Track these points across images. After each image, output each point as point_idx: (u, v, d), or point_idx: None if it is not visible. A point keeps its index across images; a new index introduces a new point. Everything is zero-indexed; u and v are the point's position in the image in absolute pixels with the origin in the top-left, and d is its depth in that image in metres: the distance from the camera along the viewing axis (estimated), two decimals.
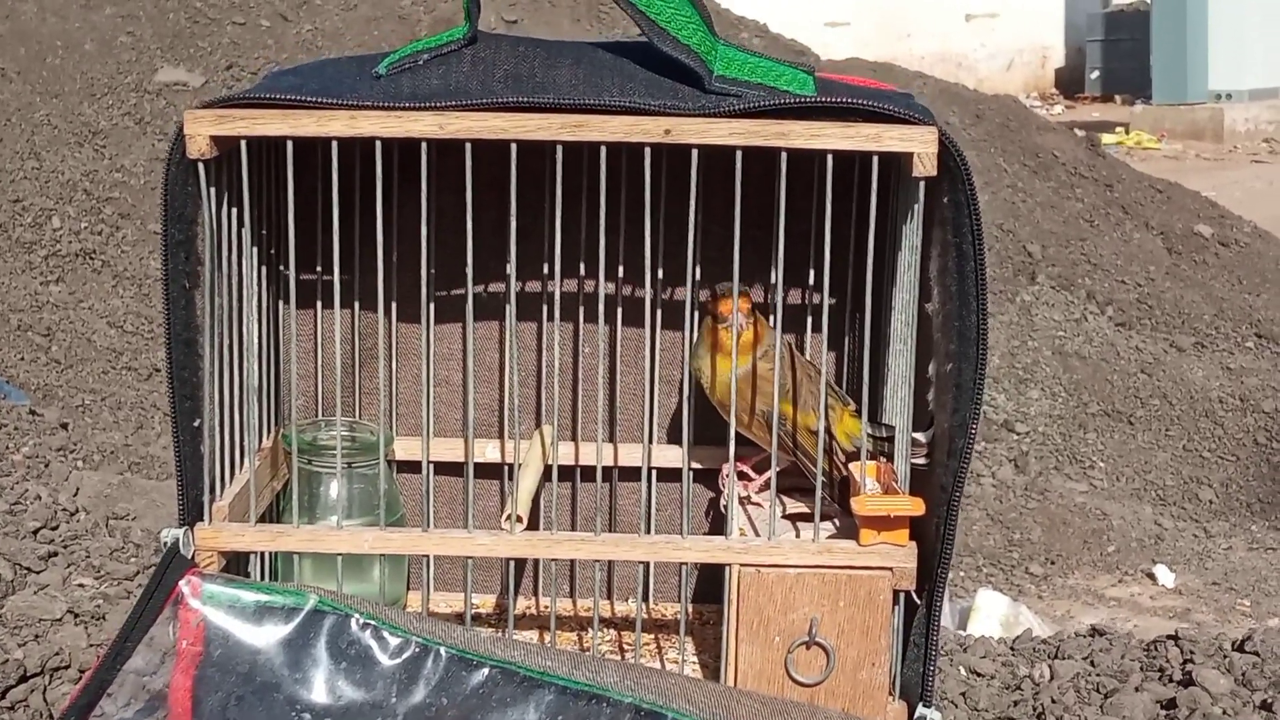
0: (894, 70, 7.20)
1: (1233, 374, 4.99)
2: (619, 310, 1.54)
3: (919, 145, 1.27)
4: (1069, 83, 12.81)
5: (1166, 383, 4.91)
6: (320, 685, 1.28)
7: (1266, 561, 4.03)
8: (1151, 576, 3.94)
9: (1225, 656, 1.61)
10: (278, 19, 5.65)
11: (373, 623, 1.29)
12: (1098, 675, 1.59)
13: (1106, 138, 9.68)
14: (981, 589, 3.35)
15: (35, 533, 1.86)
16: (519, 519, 1.38)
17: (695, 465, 1.54)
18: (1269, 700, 1.49)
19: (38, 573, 1.74)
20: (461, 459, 1.57)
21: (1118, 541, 4.10)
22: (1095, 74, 12.51)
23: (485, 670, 1.28)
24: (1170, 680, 1.58)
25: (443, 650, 1.28)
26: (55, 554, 1.80)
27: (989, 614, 2.97)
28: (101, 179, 4.66)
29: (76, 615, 1.62)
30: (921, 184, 1.29)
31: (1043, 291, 5.32)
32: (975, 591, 3.27)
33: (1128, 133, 10.51)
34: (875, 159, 1.30)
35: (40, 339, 3.99)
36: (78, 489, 2.11)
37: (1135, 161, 8.01)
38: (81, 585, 1.74)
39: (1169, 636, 1.68)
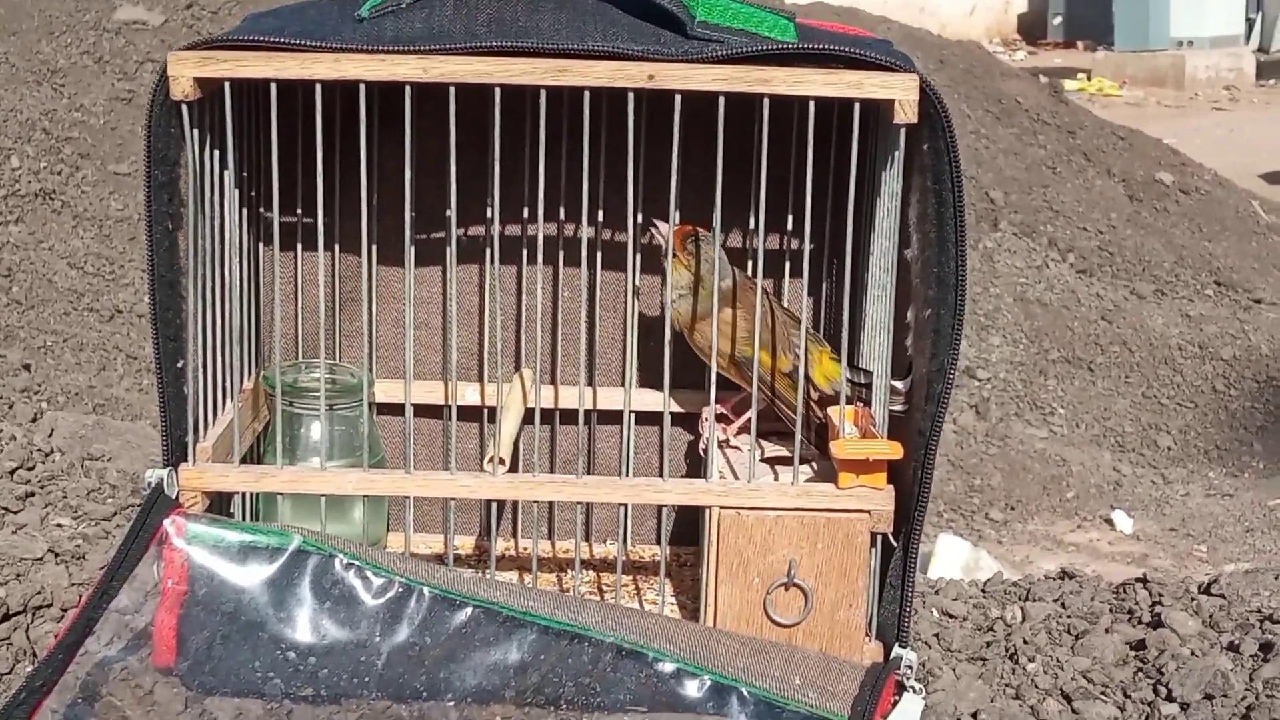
0: (859, 15, 7.18)
1: (1192, 321, 5.02)
2: (599, 254, 1.55)
3: (900, 92, 1.28)
4: (1031, 28, 12.80)
5: (1126, 330, 4.94)
6: (304, 624, 1.29)
7: (1223, 508, 4.07)
8: (1110, 522, 3.97)
9: (1193, 599, 1.63)
10: None
11: (356, 563, 1.31)
12: (1068, 617, 1.62)
13: (1069, 84, 9.68)
14: (942, 534, 3.37)
15: (12, 473, 1.86)
16: (501, 461, 1.39)
17: (674, 409, 1.55)
18: (1235, 642, 1.52)
19: (15, 513, 1.74)
20: (442, 401, 1.58)
21: (1077, 487, 4.13)
22: (1058, 20, 12.51)
23: (468, 610, 1.29)
24: (1140, 622, 1.60)
25: (426, 590, 1.30)
26: (33, 494, 1.80)
27: (949, 559, 2.99)
28: (60, 118, 4.61)
29: (57, 555, 1.63)
30: (902, 131, 1.30)
31: (1005, 238, 5.34)
32: (936, 537, 3.30)
33: (1090, 79, 10.53)
34: (856, 105, 1.31)
35: (0, 280, 3.96)
36: (52, 430, 2.10)
37: (1097, 108, 8.03)
38: (60, 525, 1.74)
39: (1138, 579, 1.70)
